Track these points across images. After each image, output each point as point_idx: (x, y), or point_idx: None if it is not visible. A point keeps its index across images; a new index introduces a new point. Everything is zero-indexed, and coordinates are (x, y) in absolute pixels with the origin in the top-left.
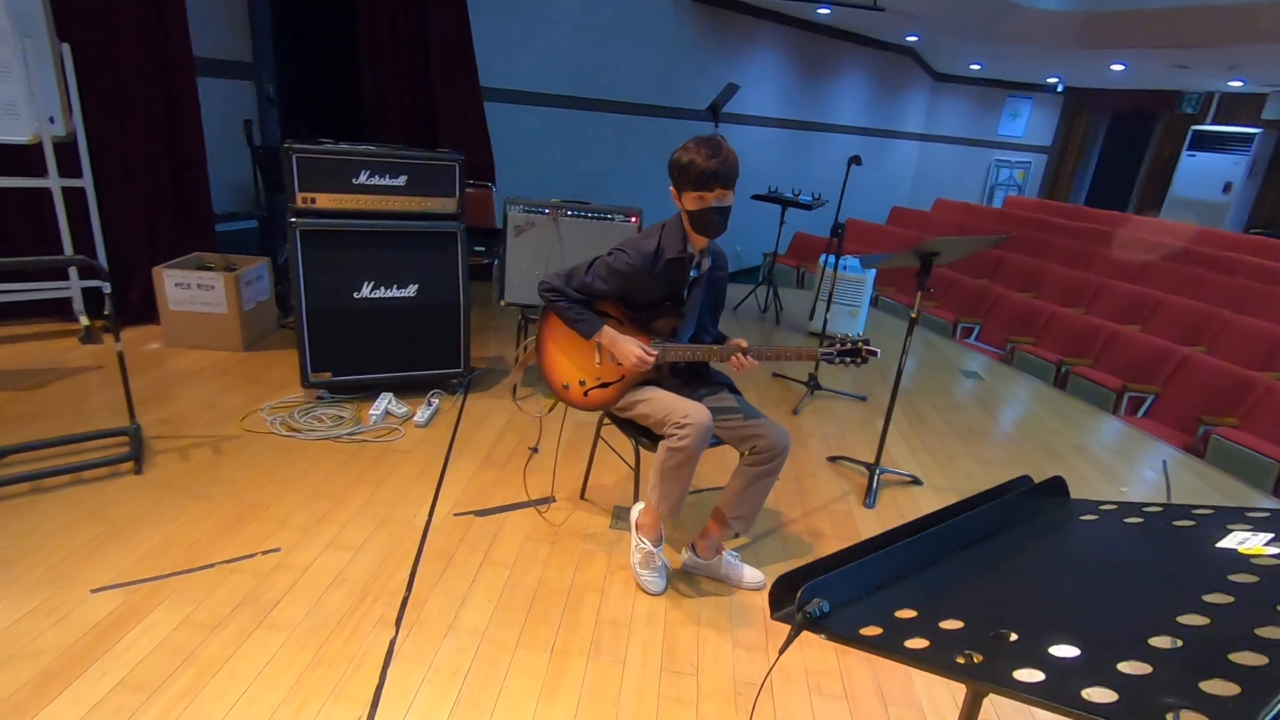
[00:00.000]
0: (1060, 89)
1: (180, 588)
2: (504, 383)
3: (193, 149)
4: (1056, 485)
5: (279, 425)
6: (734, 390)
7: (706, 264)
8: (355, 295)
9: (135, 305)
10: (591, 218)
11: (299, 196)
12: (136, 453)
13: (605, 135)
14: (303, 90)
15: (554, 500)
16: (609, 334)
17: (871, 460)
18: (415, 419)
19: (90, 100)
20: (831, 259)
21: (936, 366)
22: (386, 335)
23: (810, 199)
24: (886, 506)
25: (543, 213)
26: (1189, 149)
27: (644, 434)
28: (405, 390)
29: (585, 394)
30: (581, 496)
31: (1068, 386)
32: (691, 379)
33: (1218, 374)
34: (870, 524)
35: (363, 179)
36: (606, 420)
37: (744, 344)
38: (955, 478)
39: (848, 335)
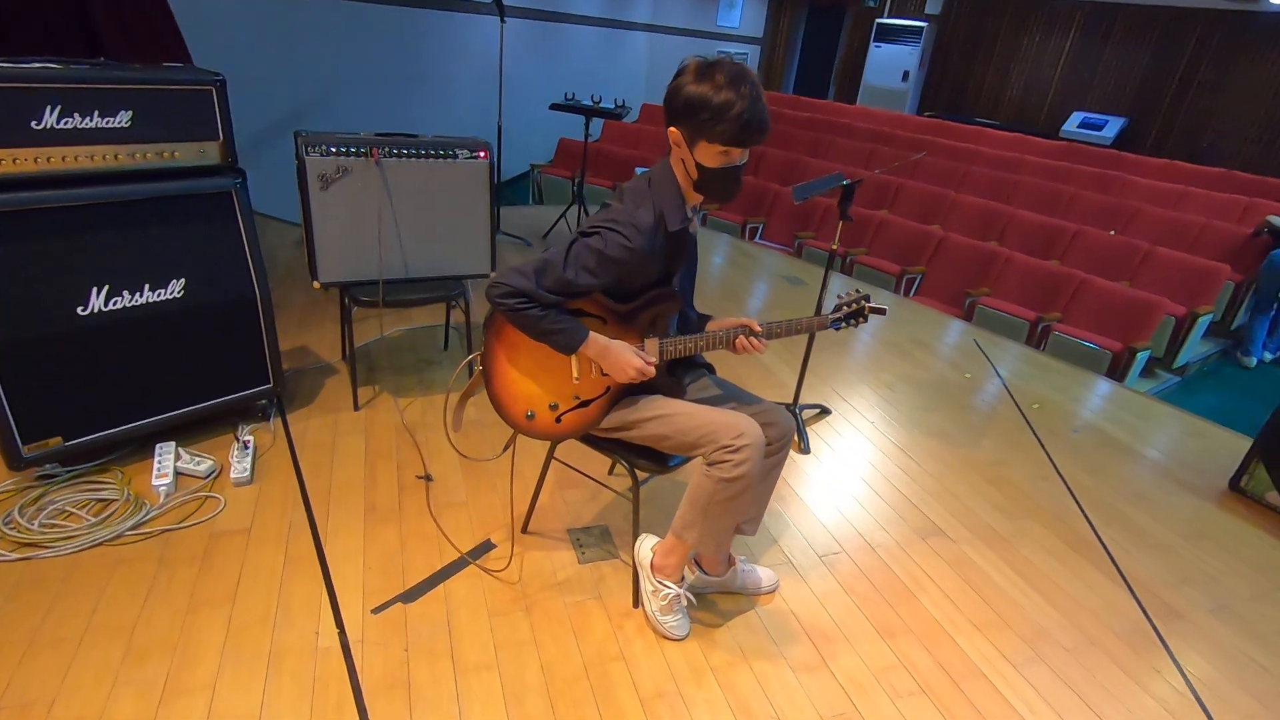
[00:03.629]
0: None
1: None
2: (417, 415)
3: None
4: None
5: None
6: (711, 371)
7: (696, 226)
8: (79, 311)
9: None
10: (428, 156)
11: None
12: None
13: (331, 31)
14: None
15: (494, 545)
16: (597, 343)
17: (789, 400)
18: (232, 474)
19: None
20: None
21: (760, 275)
22: (145, 362)
23: (614, 105)
24: (817, 447)
25: (359, 154)
26: (875, 40)
27: (643, 454)
28: (193, 434)
29: (558, 419)
30: (525, 530)
31: (854, 273)
32: (676, 369)
33: (966, 250)
34: (822, 471)
35: (50, 121)
36: None
37: (755, 324)
38: (852, 398)
39: (851, 293)
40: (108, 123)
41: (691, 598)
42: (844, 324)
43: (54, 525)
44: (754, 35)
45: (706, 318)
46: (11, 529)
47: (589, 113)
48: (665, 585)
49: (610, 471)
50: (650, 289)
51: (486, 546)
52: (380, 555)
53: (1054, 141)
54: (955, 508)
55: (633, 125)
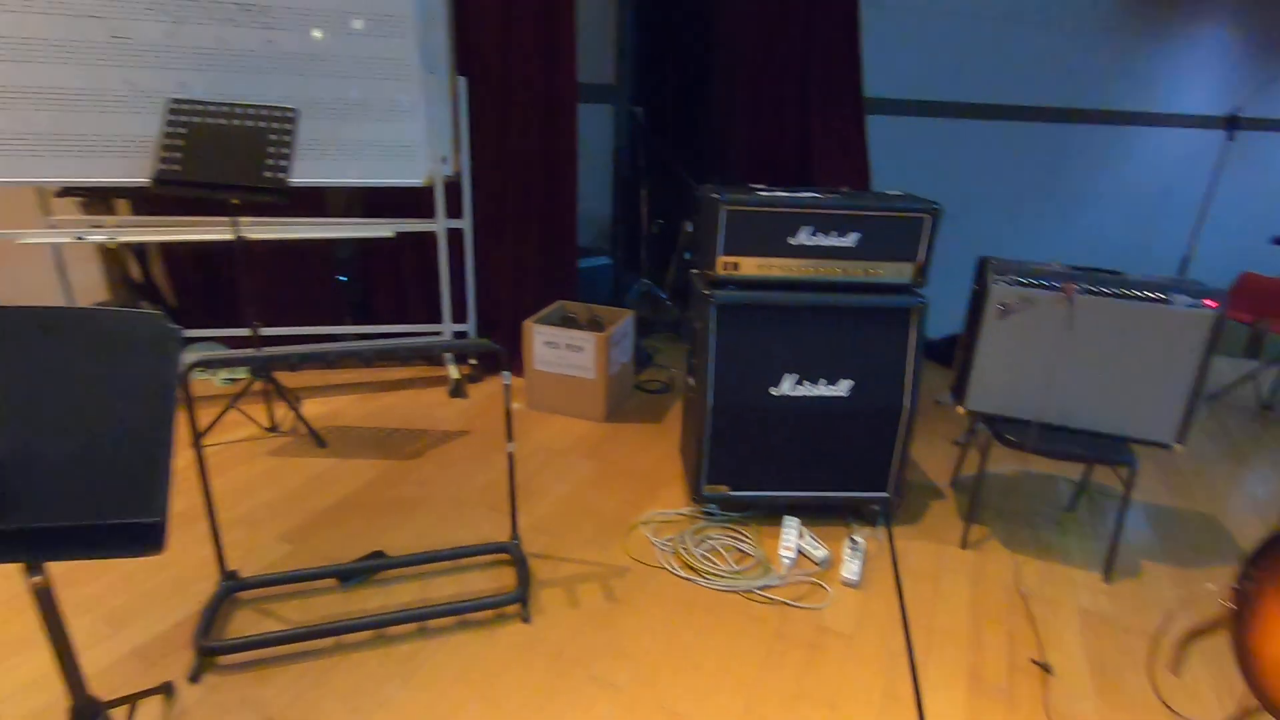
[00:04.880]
0: None
1: None
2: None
3: (566, 183)
4: None
5: (670, 557)
6: None
7: None
8: (771, 391)
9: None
10: (1135, 298)
11: (720, 261)
12: (523, 590)
13: (977, 150)
14: (663, 115)
15: None
16: None
17: None
18: (843, 572)
19: (476, 136)
20: None
21: None
22: (801, 444)
23: None
24: None
25: (1050, 288)
26: None
27: None
28: (811, 516)
29: None
30: None
31: None
32: None
33: None
34: None
35: (802, 238)
36: None
37: None
38: None
39: None
40: (839, 242)
41: None
42: None
43: (708, 559)
44: None
45: None
46: (684, 549)
47: None
48: None
49: None
50: None
51: None
52: None
53: None
54: None
55: None
